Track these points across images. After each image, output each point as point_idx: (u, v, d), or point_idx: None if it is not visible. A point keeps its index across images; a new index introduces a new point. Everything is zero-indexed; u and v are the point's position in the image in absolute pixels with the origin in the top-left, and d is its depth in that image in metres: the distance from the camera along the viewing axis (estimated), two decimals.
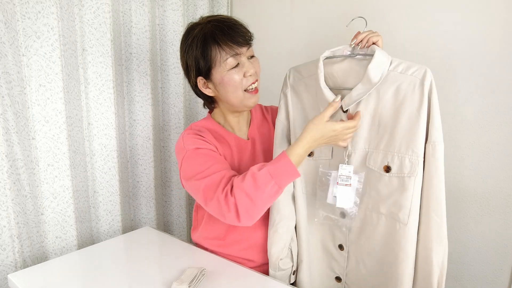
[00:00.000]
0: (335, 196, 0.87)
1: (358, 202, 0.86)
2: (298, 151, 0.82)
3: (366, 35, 0.85)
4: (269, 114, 1.11)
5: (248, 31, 0.95)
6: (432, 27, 1.04)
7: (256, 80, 0.95)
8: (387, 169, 0.83)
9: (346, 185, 0.86)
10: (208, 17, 0.95)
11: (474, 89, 1.00)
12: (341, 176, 0.87)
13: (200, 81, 0.96)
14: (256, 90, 0.96)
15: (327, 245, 0.98)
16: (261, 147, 1.04)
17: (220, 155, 0.96)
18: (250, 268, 0.96)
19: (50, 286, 0.84)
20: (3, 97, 0.94)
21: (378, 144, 0.85)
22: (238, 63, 0.92)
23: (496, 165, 0.99)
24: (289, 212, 0.97)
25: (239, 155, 1.00)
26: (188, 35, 0.93)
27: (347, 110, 0.86)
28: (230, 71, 0.91)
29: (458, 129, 1.03)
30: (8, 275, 0.89)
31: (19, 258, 0.99)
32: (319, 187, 0.92)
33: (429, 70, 0.78)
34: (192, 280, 0.81)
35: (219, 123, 1.03)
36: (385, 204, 0.85)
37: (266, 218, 0.97)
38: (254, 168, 0.83)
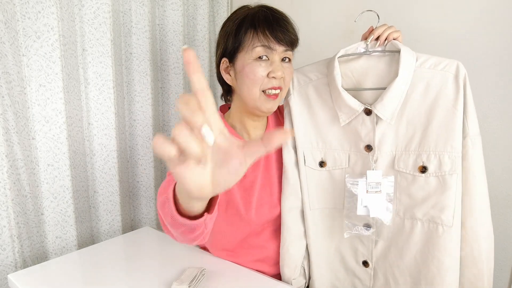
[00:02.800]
0: (366, 206, 0.80)
1: (391, 207, 0.80)
2: None
3: (384, 30, 0.80)
4: (281, 114, 1.00)
5: (294, 35, 0.86)
6: (432, 27, 1.04)
7: (280, 88, 0.85)
8: (423, 169, 0.77)
9: (376, 192, 0.80)
10: (262, 4, 0.87)
11: (474, 90, 1.00)
12: (370, 183, 0.80)
13: (224, 63, 0.88)
14: (276, 96, 0.85)
15: (347, 262, 0.91)
16: (275, 155, 0.95)
17: None
18: None
19: (50, 286, 0.84)
20: (3, 97, 0.94)
21: (408, 145, 0.79)
22: (267, 58, 0.82)
23: (496, 165, 0.99)
24: (299, 231, 0.91)
25: (252, 166, 0.95)
26: (234, 12, 0.87)
27: (370, 113, 0.80)
28: (254, 62, 0.82)
29: None
30: (8, 275, 0.88)
31: (19, 258, 0.99)
32: (346, 198, 0.85)
33: (461, 64, 0.76)
34: (192, 280, 0.81)
35: (233, 127, 0.94)
36: (422, 208, 0.78)
37: (278, 230, 0.93)
38: None
